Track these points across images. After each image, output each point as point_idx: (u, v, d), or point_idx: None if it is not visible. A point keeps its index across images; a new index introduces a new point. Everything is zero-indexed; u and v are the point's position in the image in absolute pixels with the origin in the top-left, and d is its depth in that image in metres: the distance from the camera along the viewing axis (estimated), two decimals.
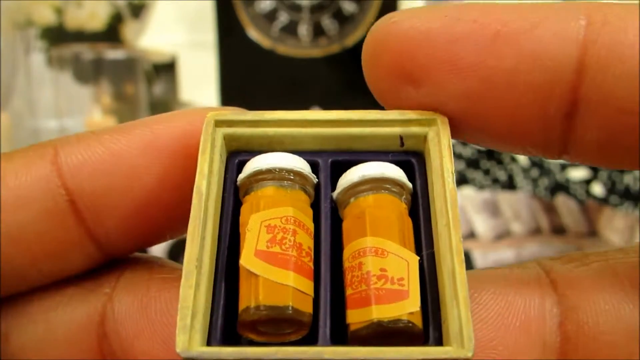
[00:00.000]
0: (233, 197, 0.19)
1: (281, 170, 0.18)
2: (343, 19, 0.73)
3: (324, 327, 0.16)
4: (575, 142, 0.18)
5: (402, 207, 0.18)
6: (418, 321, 0.16)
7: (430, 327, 0.16)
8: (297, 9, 0.73)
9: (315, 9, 0.73)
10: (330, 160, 0.19)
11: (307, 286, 0.17)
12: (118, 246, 0.20)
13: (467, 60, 0.17)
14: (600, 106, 0.17)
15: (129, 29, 0.78)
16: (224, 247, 0.18)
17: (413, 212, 0.18)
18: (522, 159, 0.69)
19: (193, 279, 0.16)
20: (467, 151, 0.69)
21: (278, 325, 0.16)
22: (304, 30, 0.73)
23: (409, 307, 0.16)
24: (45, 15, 0.76)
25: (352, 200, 0.18)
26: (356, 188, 0.18)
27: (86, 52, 0.75)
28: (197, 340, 0.16)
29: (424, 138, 0.19)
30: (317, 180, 0.19)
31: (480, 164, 0.69)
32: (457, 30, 0.17)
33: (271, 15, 0.73)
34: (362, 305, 0.16)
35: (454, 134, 0.18)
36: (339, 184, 0.19)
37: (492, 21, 0.17)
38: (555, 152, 0.19)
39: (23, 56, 0.76)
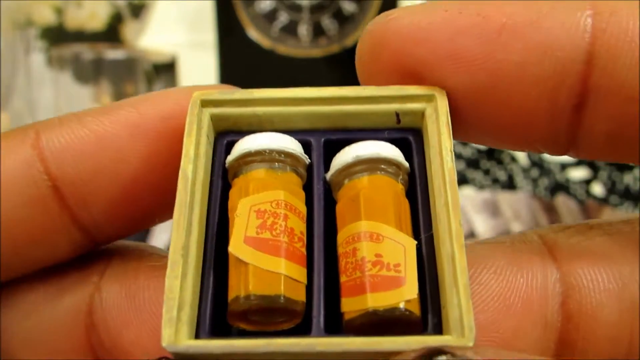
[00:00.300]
0: (222, 180, 0.18)
1: (271, 151, 0.17)
2: (343, 19, 0.73)
3: (318, 317, 0.16)
4: (583, 135, 0.17)
5: (399, 188, 0.17)
6: (416, 308, 0.15)
7: (429, 313, 0.16)
8: (297, 9, 0.73)
9: (315, 9, 0.73)
10: (323, 139, 0.18)
11: (300, 273, 0.16)
12: (105, 232, 0.20)
13: (471, 55, 0.17)
14: (610, 96, 0.16)
15: (129, 29, 0.78)
16: (212, 233, 0.17)
17: (411, 193, 0.18)
18: (522, 159, 0.69)
19: (179, 268, 0.15)
20: (467, 151, 0.69)
21: (270, 315, 0.16)
22: (304, 30, 0.73)
23: (405, 295, 0.15)
24: (45, 15, 0.76)
25: (346, 181, 0.17)
26: (350, 169, 0.17)
27: (86, 52, 0.75)
28: (184, 332, 0.15)
29: (421, 114, 0.18)
30: (309, 161, 0.18)
31: (480, 164, 0.69)
32: (459, 24, 0.17)
33: (271, 15, 0.73)
34: (356, 294, 0.15)
35: (458, 133, 0.18)
36: (332, 165, 0.18)
37: (496, 14, 0.17)
38: (561, 147, 0.18)
39: (23, 56, 0.76)
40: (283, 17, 0.73)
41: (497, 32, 0.17)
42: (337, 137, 0.18)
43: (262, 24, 0.73)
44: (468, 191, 0.68)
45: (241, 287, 0.16)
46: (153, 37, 0.78)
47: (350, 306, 0.16)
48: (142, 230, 0.21)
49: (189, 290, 0.15)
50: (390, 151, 0.17)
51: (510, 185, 0.69)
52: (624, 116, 0.17)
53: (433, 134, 0.17)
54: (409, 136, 0.18)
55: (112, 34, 0.77)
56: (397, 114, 0.18)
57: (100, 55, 0.75)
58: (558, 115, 0.17)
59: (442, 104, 0.17)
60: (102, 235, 0.20)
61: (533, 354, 0.18)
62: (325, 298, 0.16)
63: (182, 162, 0.17)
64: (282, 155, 0.17)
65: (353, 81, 0.19)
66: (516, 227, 0.66)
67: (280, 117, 0.18)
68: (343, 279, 0.16)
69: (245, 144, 0.17)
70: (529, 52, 0.16)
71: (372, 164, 0.17)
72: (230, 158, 0.18)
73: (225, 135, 0.18)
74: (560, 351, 0.18)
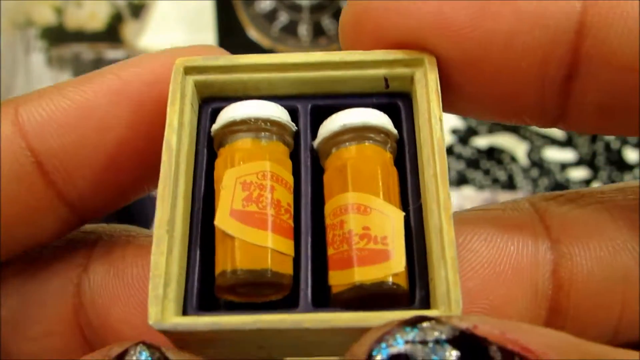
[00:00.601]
0: (207, 150, 0.17)
1: (257, 120, 0.17)
2: None
3: (305, 290, 0.15)
4: (572, 107, 0.17)
5: (387, 156, 0.17)
6: (403, 282, 0.15)
7: (416, 286, 0.16)
8: (297, 9, 0.73)
9: (315, 9, 0.73)
10: (310, 105, 0.18)
11: (287, 246, 0.16)
12: (93, 205, 0.19)
13: (459, 23, 0.16)
14: (601, 66, 0.16)
15: (129, 29, 0.78)
16: (199, 206, 0.17)
17: (399, 161, 0.17)
18: (522, 159, 0.69)
19: (164, 244, 0.15)
20: (467, 151, 0.69)
21: (257, 288, 0.16)
22: (304, 30, 0.73)
23: (393, 268, 0.15)
24: (45, 15, 0.76)
25: (333, 150, 0.17)
26: (337, 138, 0.17)
27: (86, 52, 0.75)
28: (171, 309, 0.15)
29: (410, 79, 0.17)
30: (296, 128, 0.18)
31: (480, 164, 0.69)
32: None
33: (271, 16, 0.73)
34: (344, 267, 0.15)
35: (446, 105, 0.17)
36: (319, 132, 0.17)
37: None
38: (550, 119, 0.18)
39: (23, 56, 0.76)
40: (283, 17, 0.73)
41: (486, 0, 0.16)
42: (325, 102, 0.18)
43: (262, 24, 0.73)
44: (468, 191, 0.68)
45: (228, 261, 0.15)
46: (153, 37, 0.78)
47: (337, 280, 0.15)
48: (132, 201, 0.20)
49: (175, 266, 0.15)
50: (378, 119, 0.17)
51: (510, 185, 0.69)
52: (615, 87, 0.16)
53: (422, 100, 0.17)
54: (397, 101, 0.18)
55: (112, 34, 0.77)
56: (386, 79, 0.18)
57: (100, 55, 0.75)
58: (548, 86, 0.17)
59: (432, 68, 0.17)
60: (89, 209, 0.19)
61: (522, 322, 0.18)
62: (312, 271, 0.16)
63: (165, 133, 0.16)
64: (268, 124, 0.17)
65: None
66: None
67: (266, 83, 0.18)
68: (330, 251, 0.16)
69: (230, 113, 0.17)
70: (518, 20, 0.16)
71: (360, 133, 0.17)
72: (215, 127, 0.17)
73: (210, 102, 0.18)
74: (551, 319, 0.18)
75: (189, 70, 0.17)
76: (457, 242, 0.18)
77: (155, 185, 0.18)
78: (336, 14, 0.73)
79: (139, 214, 0.54)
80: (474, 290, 0.18)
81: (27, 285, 0.19)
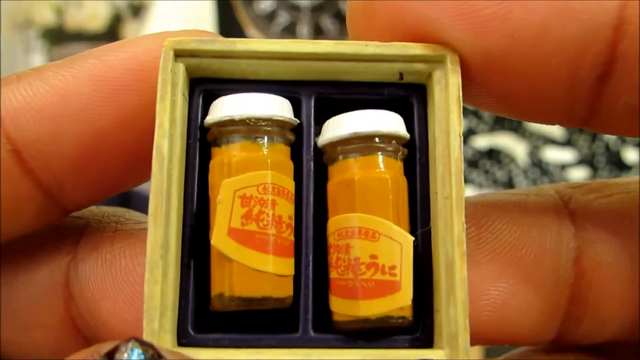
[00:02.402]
0: (199, 144, 0.16)
1: (257, 120, 0.15)
2: (343, 19, 0.73)
3: (305, 315, 0.15)
4: (604, 108, 0.16)
5: (397, 166, 0.16)
6: (409, 314, 0.15)
7: (420, 312, 0.15)
8: (297, 9, 0.73)
9: (315, 9, 0.73)
10: (314, 96, 0.16)
11: (288, 266, 0.15)
12: (74, 197, 0.18)
13: (487, 14, 0.15)
14: (639, 66, 0.15)
15: (128, 29, 0.78)
16: (191, 218, 0.15)
17: (408, 164, 0.16)
18: (522, 159, 0.69)
19: (159, 271, 0.14)
20: (467, 152, 0.69)
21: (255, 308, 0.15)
22: (303, 30, 0.73)
23: (400, 302, 0.14)
24: (45, 15, 0.76)
25: (340, 158, 0.16)
26: (345, 145, 0.15)
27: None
28: (167, 341, 0.14)
29: (428, 75, 0.16)
30: (298, 122, 0.16)
31: (480, 164, 0.69)
32: None
33: (271, 16, 0.73)
34: (348, 297, 0.15)
35: (468, 99, 0.16)
36: (324, 131, 0.16)
37: None
38: (579, 120, 0.17)
39: (23, 56, 0.76)
40: (283, 18, 0.73)
41: None
42: (330, 92, 0.16)
43: (262, 24, 0.73)
44: (468, 191, 0.68)
45: (225, 284, 0.14)
46: None
47: (340, 308, 0.15)
48: (116, 194, 0.19)
49: (171, 291, 0.14)
50: (390, 125, 0.15)
51: (510, 185, 0.69)
52: None
53: (440, 107, 0.15)
54: (411, 96, 0.16)
55: (112, 34, 0.77)
56: (401, 73, 0.16)
57: None
58: (579, 85, 0.15)
59: (454, 70, 0.15)
60: (70, 200, 0.18)
61: (543, 309, 0.17)
62: (313, 292, 0.15)
63: (155, 136, 0.14)
64: (269, 124, 0.15)
65: None
66: None
67: (266, 68, 0.16)
68: (334, 275, 0.15)
69: (227, 108, 0.15)
70: (551, 13, 0.14)
71: (370, 143, 0.15)
72: (210, 119, 0.15)
73: (201, 83, 0.16)
74: (572, 308, 0.18)
75: (180, 53, 0.15)
76: (480, 222, 0.17)
77: (141, 180, 0.18)
78: (336, 15, 0.73)
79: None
80: (494, 272, 0.17)
81: (15, 274, 0.18)
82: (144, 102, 0.16)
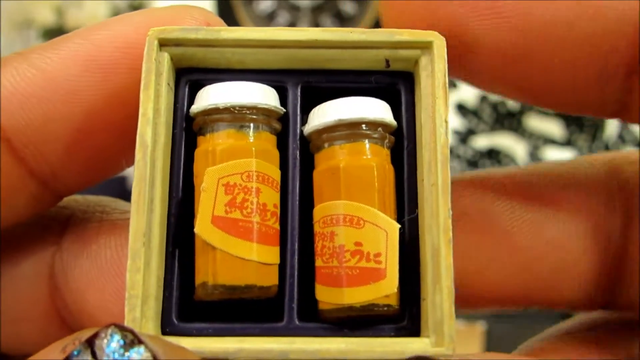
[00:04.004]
0: (185, 133, 0.16)
1: (242, 108, 0.15)
2: (343, 19, 0.73)
3: (290, 304, 0.15)
4: (635, 101, 0.16)
5: (384, 153, 0.15)
6: (394, 301, 0.14)
7: (407, 300, 0.15)
8: (297, 9, 0.73)
9: (315, 10, 0.73)
10: (300, 85, 0.16)
11: (273, 255, 0.15)
12: (68, 182, 0.17)
13: (513, 9, 0.15)
14: None
15: None
16: (176, 206, 0.15)
17: (395, 152, 0.16)
18: (522, 160, 0.69)
19: (141, 259, 0.14)
20: (467, 152, 0.69)
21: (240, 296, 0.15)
22: None
23: (385, 289, 0.14)
24: (45, 16, 0.76)
25: (325, 145, 0.15)
26: (331, 133, 0.15)
27: None
28: (150, 329, 0.14)
29: (414, 61, 0.16)
30: (284, 110, 0.16)
31: (480, 164, 0.69)
32: None
33: (271, 16, 0.73)
34: (333, 284, 0.14)
35: (493, 85, 0.16)
36: (310, 119, 0.16)
37: None
38: (611, 111, 0.16)
39: None
40: (283, 18, 0.73)
41: None
42: (317, 81, 0.16)
43: (262, 24, 0.73)
44: None
45: (209, 273, 0.14)
46: None
47: (325, 296, 0.15)
48: (110, 177, 0.18)
49: (153, 280, 0.14)
50: (376, 112, 0.15)
51: None
52: None
53: (427, 93, 0.15)
54: (399, 83, 0.16)
55: None
56: (387, 60, 0.16)
57: None
58: (609, 80, 0.15)
59: (440, 55, 0.15)
60: (64, 185, 0.17)
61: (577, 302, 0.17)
62: (299, 281, 0.15)
63: (139, 125, 0.14)
64: (254, 112, 0.15)
65: None
66: None
67: (252, 57, 0.16)
68: (319, 263, 0.15)
69: (212, 97, 0.15)
70: (581, 7, 0.14)
71: (356, 129, 0.15)
72: (195, 109, 0.15)
73: (187, 72, 0.16)
74: (610, 287, 0.17)
75: (164, 42, 0.15)
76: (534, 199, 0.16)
77: (134, 159, 0.18)
78: (336, 15, 0.73)
79: None
80: (549, 239, 0.17)
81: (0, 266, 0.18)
82: (134, 80, 0.16)
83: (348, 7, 0.73)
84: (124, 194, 0.56)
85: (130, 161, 0.17)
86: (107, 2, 0.77)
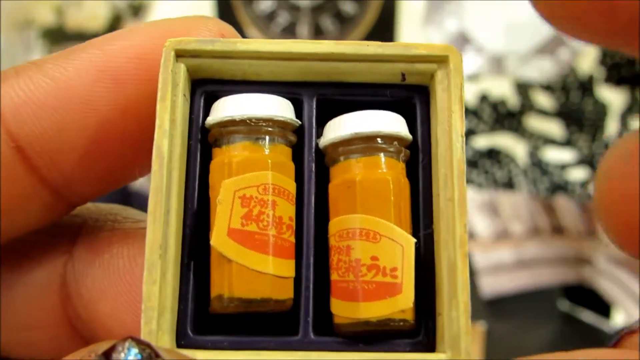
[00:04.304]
0: (200, 145, 0.16)
1: (258, 120, 0.15)
2: (343, 20, 0.73)
3: (305, 318, 0.15)
4: None
5: (399, 167, 0.15)
6: (410, 316, 0.14)
7: (422, 314, 0.15)
8: (297, 9, 0.73)
9: (315, 10, 0.73)
10: (316, 97, 0.16)
11: (288, 268, 0.15)
12: (80, 192, 0.17)
13: None
14: None
15: None
16: (192, 219, 0.15)
17: (411, 166, 0.16)
18: (522, 160, 0.69)
19: (157, 271, 0.14)
20: (467, 152, 0.69)
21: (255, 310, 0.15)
22: (303, 30, 0.73)
23: (401, 304, 0.14)
24: (45, 16, 0.76)
25: (341, 159, 0.15)
26: (347, 146, 0.15)
27: None
28: (165, 342, 0.14)
29: (430, 76, 0.16)
30: (300, 123, 0.16)
31: (480, 164, 0.69)
32: None
33: (271, 16, 0.73)
34: (349, 299, 0.14)
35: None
36: (326, 132, 0.16)
37: None
38: None
39: (23, 56, 0.76)
40: (283, 18, 0.73)
41: None
42: (333, 94, 0.16)
43: (262, 24, 0.73)
44: (468, 192, 0.68)
45: (224, 285, 0.14)
46: None
47: (341, 310, 0.15)
48: (123, 186, 0.18)
49: (169, 292, 0.14)
50: (392, 125, 0.15)
51: (509, 185, 0.69)
52: None
53: (442, 108, 0.15)
54: (414, 97, 0.16)
55: None
56: (403, 74, 0.16)
57: None
58: None
59: (457, 69, 0.15)
60: (76, 195, 0.17)
61: None
62: (314, 295, 0.15)
63: (155, 136, 0.14)
64: (270, 124, 0.15)
65: None
66: (516, 227, 0.66)
67: (268, 69, 0.16)
68: (334, 276, 0.15)
69: (228, 108, 0.15)
70: None
71: (372, 143, 0.15)
72: (211, 120, 0.15)
73: (202, 84, 0.16)
74: None
75: (180, 53, 0.15)
76: None
77: (148, 169, 0.17)
78: (336, 15, 0.73)
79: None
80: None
81: (11, 274, 0.18)
82: (147, 90, 0.16)
83: (348, 7, 0.73)
84: (125, 199, 0.56)
85: (143, 171, 0.18)
86: (107, 2, 0.77)
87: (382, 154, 0.15)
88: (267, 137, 0.15)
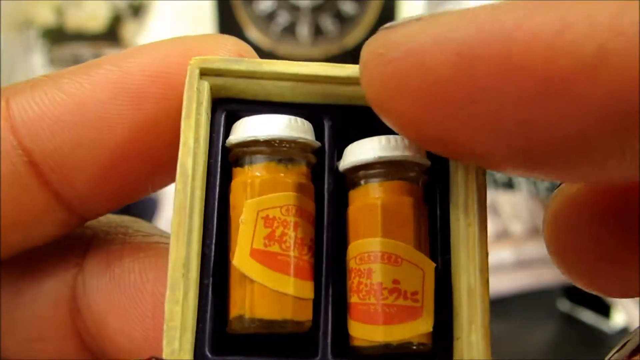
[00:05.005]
0: (220, 166, 0.15)
1: (281, 142, 0.15)
2: (343, 20, 0.73)
3: (324, 340, 0.15)
4: None
5: (419, 192, 0.16)
6: (428, 340, 0.15)
7: (438, 340, 0.15)
8: (297, 9, 0.73)
9: (315, 10, 0.73)
10: (337, 119, 0.16)
11: (308, 289, 0.15)
12: (93, 207, 0.17)
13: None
14: None
15: (128, 30, 0.78)
16: (211, 238, 0.15)
17: (428, 189, 0.16)
18: None
19: (180, 291, 0.14)
20: None
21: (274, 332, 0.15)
22: (303, 31, 0.73)
23: (421, 328, 0.14)
24: (45, 16, 0.76)
25: (362, 183, 0.16)
26: (369, 170, 0.15)
27: (86, 52, 0.75)
28: None
29: None
30: (320, 144, 0.16)
31: None
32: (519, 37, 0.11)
33: (271, 16, 0.73)
34: (369, 322, 0.14)
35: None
36: (346, 154, 0.16)
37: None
38: None
39: (23, 56, 0.76)
40: (283, 18, 0.73)
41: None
42: (353, 116, 0.16)
43: (261, 24, 0.73)
44: None
45: (246, 305, 0.14)
46: (152, 38, 0.77)
47: (361, 333, 0.15)
48: (135, 201, 0.18)
49: (191, 312, 0.14)
50: (413, 151, 0.15)
51: (509, 185, 0.69)
52: None
53: None
54: None
55: (112, 34, 0.77)
56: None
57: (100, 55, 0.75)
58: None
59: None
60: (89, 210, 0.17)
61: None
62: (333, 317, 0.15)
63: (180, 154, 0.14)
64: (293, 145, 0.15)
65: None
66: (515, 227, 0.66)
67: (291, 91, 0.16)
68: (354, 299, 0.15)
69: (251, 129, 0.15)
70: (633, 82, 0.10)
71: (393, 168, 0.15)
72: (233, 139, 0.15)
73: (223, 103, 0.16)
74: None
75: (205, 72, 0.15)
76: None
77: (160, 186, 0.17)
78: (336, 15, 0.73)
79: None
80: None
81: (21, 285, 0.18)
82: (163, 108, 0.16)
83: (348, 7, 0.73)
84: (128, 208, 0.56)
85: (156, 187, 0.18)
86: (107, 2, 0.77)
87: (403, 179, 0.15)
88: (289, 158, 0.15)
